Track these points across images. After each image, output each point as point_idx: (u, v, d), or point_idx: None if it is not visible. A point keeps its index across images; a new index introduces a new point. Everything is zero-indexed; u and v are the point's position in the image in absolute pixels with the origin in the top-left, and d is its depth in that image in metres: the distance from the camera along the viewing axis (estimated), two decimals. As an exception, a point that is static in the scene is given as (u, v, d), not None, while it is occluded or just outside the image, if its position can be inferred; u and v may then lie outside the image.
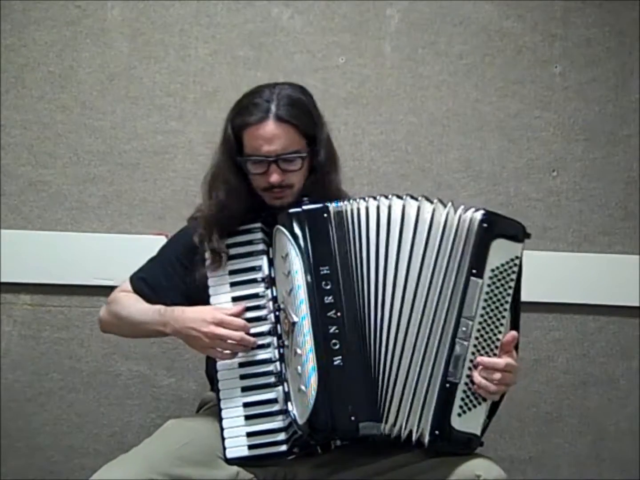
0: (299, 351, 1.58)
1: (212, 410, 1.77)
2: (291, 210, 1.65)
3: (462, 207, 1.62)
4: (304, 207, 1.65)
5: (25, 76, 2.26)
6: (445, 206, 1.63)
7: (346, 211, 1.64)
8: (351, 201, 1.65)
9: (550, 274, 2.31)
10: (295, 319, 1.59)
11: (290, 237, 1.62)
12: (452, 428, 1.56)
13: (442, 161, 2.33)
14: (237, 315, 1.67)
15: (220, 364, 1.68)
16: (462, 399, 1.57)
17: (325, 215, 1.63)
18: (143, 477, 1.52)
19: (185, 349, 2.22)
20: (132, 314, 1.78)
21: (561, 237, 2.35)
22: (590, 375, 2.37)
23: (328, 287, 1.59)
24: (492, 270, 1.58)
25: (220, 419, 1.66)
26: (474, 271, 1.57)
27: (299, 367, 1.58)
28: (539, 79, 2.34)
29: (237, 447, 1.64)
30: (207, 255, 1.72)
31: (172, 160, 2.29)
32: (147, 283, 1.83)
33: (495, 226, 1.60)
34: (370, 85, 2.31)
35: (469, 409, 1.57)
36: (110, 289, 2.24)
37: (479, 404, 1.58)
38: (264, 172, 1.71)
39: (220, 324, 1.64)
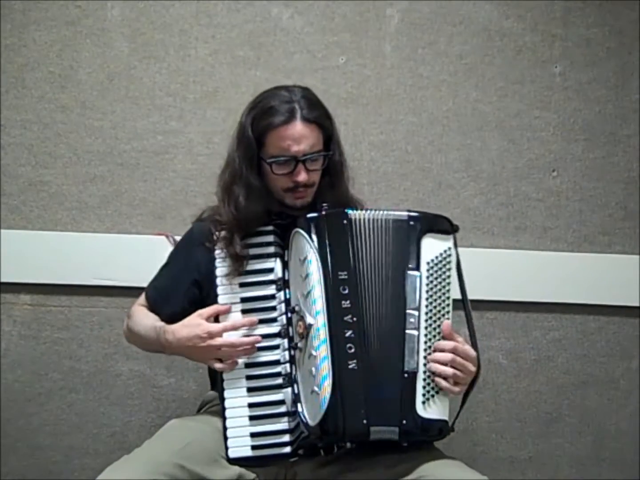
0: (314, 353, 1.59)
1: (214, 409, 1.78)
2: (311, 215, 1.67)
3: (386, 211, 1.68)
4: (325, 212, 1.67)
5: (25, 76, 2.26)
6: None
7: (363, 219, 1.66)
8: (369, 210, 1.68)
9: (550, 274, 2.31)
10: (312, 321, 1.60)
11: (309, 240, 1.64)
12: (420, 416, 1.58)
13: (442, 161, 2.33)
14: (223, 312, 1.68)
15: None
16: (424, 387, 1.60)
17: (345, 221, 1.65)
18: (147, 477, 1.52)
19: (185, 349, 2.22)
20: (140, 331, 1.81)
21: (561, 237, 2.35)
22: (590, 375, 2.37)
23: (345, 291, 1.61)
24: (428, 263, 1.65)
25: (223, 419, 1.66)
26: (410, 266, 1.64)
27: (313, 369, 1.59)
28: (539, 79, 2.34)
29: (241, 447, 1.65)
30: (220, 258, 1.72)
31: (172, 160, 2.29)
32: (158, 292, 1.85)
33: (421, 223, 1.68)
34: (370, 85, 2.31)
35: (432, 395, 1.60)
36: (110, 289, 2.25)
37: (441, 389, 1.61)
38: (288, 172, 1.72)
39: (214, 335, 1.65)
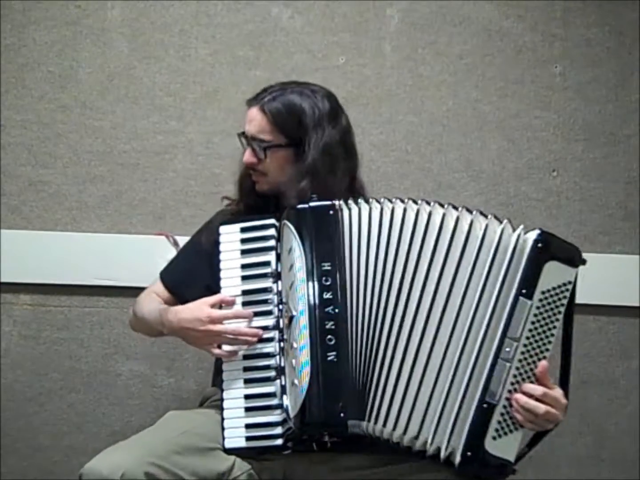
0: (295, 345, 1.59)
1: (214, 404, 1.78)
2: (298, 206, 1.67)
3: (505, 221, 1.55)
4: (311, 204, 1.66)
5: (25, 76, 2.26)
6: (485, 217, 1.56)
7: (356, 210, 1.64)
8: (360, 202, 1.65)
9: (550, 274, 2.31)
10: (294, 312, 1.60)
11: (294, 231, 1.64)
12: (486, 451, 1.49)
13: (442, 161, 2.33)
14: (226, 302, 1.69)
15: None
16: (499, 422, 1.49)
17: (331, 212, 1.64)
18: (140, 463, 1.52)
19: (185, 349, 2.22)
20: (145, 314, 1.84)
21: (561, 237, 2.34)
22: (590, 375, 2.37)
23: (328, 283, 1.59)
24: (543, 293, 1.51)
25: (221, 409, 1.67)
26: (523, 291, 1.50)
27: (294, 361, 1.59)
28: (539, 79, 2.34)
29: (236, 437, 1.65)
30: (223, 251, 1.75)
31: (172, 160, 2.29)
32: (173, 276, 1.91)
33: (551, 247, 1.53)
34: (370, 85, 2.31)
35: (505, 433, 1.50)
36: (110, 289, 2.25)
37: (516, 429, 1.51)
38: (244, 150, 1.85)
39: (215, 320, 1.66)
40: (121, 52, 2.27)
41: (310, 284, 1.60)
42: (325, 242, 1.62)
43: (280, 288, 1.69)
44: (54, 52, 2.27)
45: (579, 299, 2.32)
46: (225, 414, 1.67)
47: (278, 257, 1.71)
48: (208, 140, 2.27)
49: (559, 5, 2.34)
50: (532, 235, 1.53)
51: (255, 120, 1.80)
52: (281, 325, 1.67)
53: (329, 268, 1.60)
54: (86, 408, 2.29)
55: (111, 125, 2.28)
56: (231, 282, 1.73)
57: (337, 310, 1.58)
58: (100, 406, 2.29)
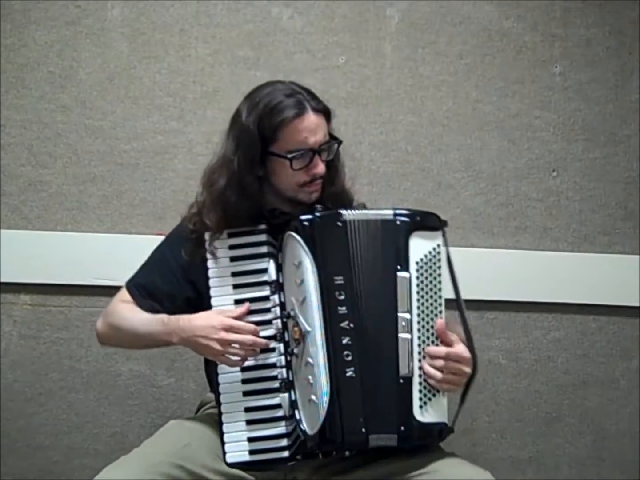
0: (310, 361, 1.57)
1: (212, 411, 1.77)
2: (304, 217, 1.61)
3: (374, 211, 1.65)
4: (317, 214, 1.62)
5: (25, 76, 2.26)
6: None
7: (355, 220, 1.62)
8: (360, 211, 1.65)
9: (550, 274, 2.31)
10: (308, 328, 1.58)
11: (303, 244, 1.59)
12: (417, 421, 1.56)
13: (442, 161, 2.33)
14: (243, 315, 1.65)
15: (220, 367, 1.67)
16: (420, 391, 1.57)
17: (339, 223, 1.61)
18: (143, 477, 1.52)
19: (185, 349, 2.21)
20: (135, 325, 1.74)
21: (561, 237, 2.35)
22: (590, 375, 2.37)
23: (341, 297, 1.58)
24: (417, 263, 1.60)
25: (220, 423, 1.65)
26: (398, 267, 1.59)
27: (310, 377, 1.57)
28: (539, 79, 2.34)
29: (238, 452, 1.64)
30: (211, 258, 1.69)
31: (172, 160, 2.29)
32: (146, 290, 1.78)
33: (408, 222, 1.62)
34: (370, 85, 2.31)
35: (429, 399, 1.57)
36: (110, 289, 2.25)
37: (438, 391, 1.58)
38: (305, 166, 1.69)
39: (230, 329, 1.61)
40: (121, 52, 2.27)
41: (324, 300, 1.58)
42: (335, 254, 1.60)
43: (283, 300, 1.65)
44: (54, 52, 2.27)
45: (579, 299, 2.35)
46: (225, 427, 1.64)
47: (279, 267, 1.66)
48: (208, 140, 2.27)
49: (559, 5, 2.34)
50: (389, 216, 1.62)
51: (320, 125, 1.69)
52: (286, 338, 1.64)
53: (341, 282, 1.59)
54: (86, 408, 2.29)
55: (111, 125, 2.28)
56: (223, 291, 1.68)
57: (351, 325, 1.58)
58: (100, 406, 2.29)
